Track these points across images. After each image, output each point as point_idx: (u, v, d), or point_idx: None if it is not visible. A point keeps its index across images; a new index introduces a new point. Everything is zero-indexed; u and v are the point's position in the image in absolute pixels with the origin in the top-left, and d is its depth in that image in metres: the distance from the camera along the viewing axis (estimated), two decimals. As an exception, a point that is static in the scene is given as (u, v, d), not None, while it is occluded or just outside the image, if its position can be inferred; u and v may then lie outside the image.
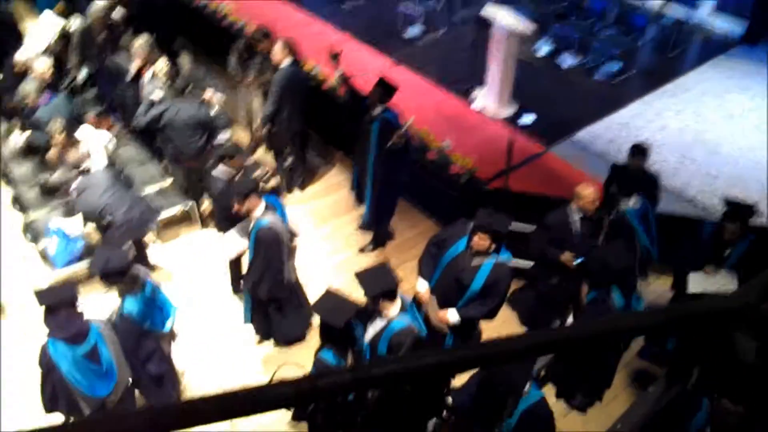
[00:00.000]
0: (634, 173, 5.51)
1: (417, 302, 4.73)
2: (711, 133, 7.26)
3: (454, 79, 7.86)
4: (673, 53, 8.79)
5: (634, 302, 4.64)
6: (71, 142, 5.75)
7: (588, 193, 5.04)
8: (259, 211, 4.94)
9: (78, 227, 5.77)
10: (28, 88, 6.46)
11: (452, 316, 4.70)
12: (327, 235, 6.83)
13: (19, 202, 6.52)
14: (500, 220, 4.59)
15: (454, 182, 6.39)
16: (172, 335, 4.94)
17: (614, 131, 7.23)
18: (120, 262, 4.48)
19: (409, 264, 6.41)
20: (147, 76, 6.64)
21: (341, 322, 3.91)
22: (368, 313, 4.20)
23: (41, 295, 4.18)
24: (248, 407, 1.30)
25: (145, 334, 4.58)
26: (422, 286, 4.85)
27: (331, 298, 4.16)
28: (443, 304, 4.78)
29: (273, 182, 6.63)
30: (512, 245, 4.80)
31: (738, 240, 4.91)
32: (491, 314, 4.72)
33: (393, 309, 4.10)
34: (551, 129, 7.13)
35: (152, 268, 6.06)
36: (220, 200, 5.57)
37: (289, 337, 5.60)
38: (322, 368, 3.92)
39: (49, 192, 6.16)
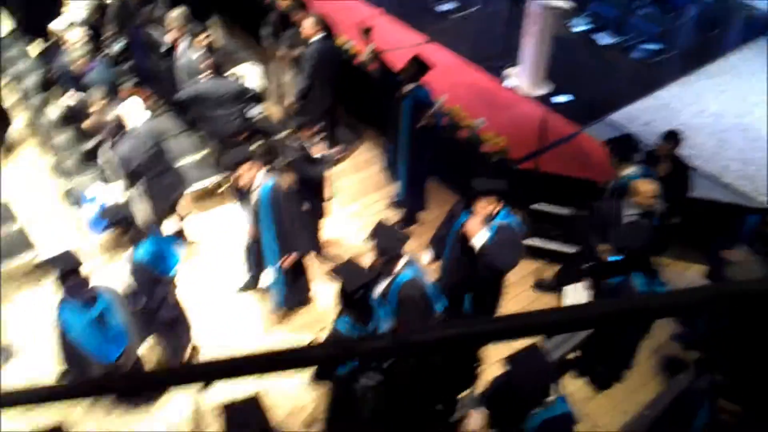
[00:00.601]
0: (664, 159, 5.42)
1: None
2: (751, 117, 7.06)
3: (487, 55, 7.75)
4: (713, 33, 8.53)
5: (658, 287, 4.54)
6: (110, 109, 5.83)
7: (647, 188, 4.78)
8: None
9: (115, 194, 5.89)
10: (74, 55, 6.51)
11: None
12: (356, 213, 6.85)
13: (60, 169, 6.66)
14: (498, 182, 4.64)
15: (486, 161, 6.34)
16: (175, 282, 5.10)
17: (651, 113, 7.07)
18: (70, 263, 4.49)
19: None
20: (181, 48, 6.68)
21: (355, 286, 3.99)
22: (378, 272, 4.31)
23: (46, 263, 4.34)
24: (295, 363, 1.34)
25: (157, 280, 4.77)
26: (426, 257, 4.96)
27: (350, 265, 4.25)
28: (457, 280, 4.76)
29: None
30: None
31: None
32: (507, 266, 4.59)
33: (398, 265, 4.24)
34: (586, 109, 7.01)
35: (184, 238, 6.18)
36: (298, 170, 5.53)
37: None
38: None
39: (89, 158, 6.28)
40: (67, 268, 4.30)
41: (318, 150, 5.66)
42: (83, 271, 4.43)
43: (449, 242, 4.80)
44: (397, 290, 4.22)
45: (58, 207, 6.62)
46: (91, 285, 4.44)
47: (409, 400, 2.48)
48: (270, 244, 5.22)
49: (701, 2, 8.76)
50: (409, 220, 6.64)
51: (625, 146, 5.29)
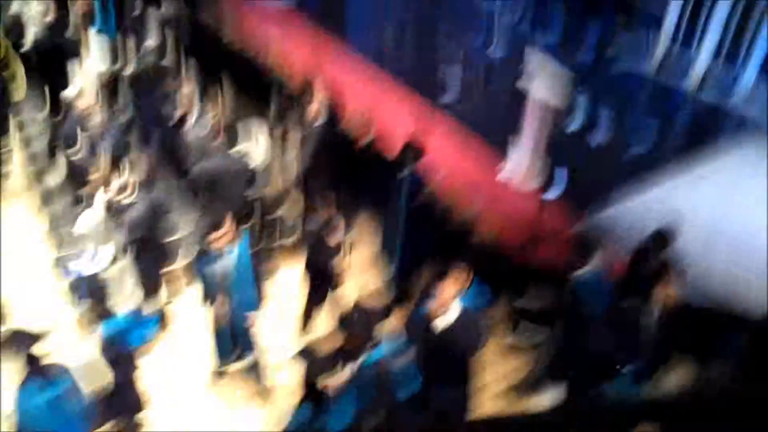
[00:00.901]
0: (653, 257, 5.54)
1: None
2: (737, 223, 7.22)
3: (485, 145, 8.01)
4: (703, 138, 8.83)
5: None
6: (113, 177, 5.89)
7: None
8: None
9: (100, 264, 5.90)
10: (86, 122, 6.60)
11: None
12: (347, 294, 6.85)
13: (53, 236, 6.71)
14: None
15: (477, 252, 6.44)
16: None
17: (637, 214, 7.24)
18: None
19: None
20: (191, 122, 6.91)
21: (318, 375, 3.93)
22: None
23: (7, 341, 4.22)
24: None
25: (124, 358, 4.68)
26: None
27: (314, 351, 4.17)
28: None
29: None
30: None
31: None
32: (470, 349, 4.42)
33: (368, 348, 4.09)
34: (575, 206, 7.19)
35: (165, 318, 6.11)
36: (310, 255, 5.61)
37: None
38: None
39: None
40: (22, 348, 4.12)
41: (335, 238, 5.70)
42: (43, 348, 4.23)
43: (417, 324, 4.49)
44: (361, 373, 4.08)
45: (47, 277, 6.56)
46: (54, 363, 4.24)
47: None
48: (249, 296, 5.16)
49: (692, 106, 9.11)
50: (401, 300, 6.64)
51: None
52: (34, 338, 4.21)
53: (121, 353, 4.62)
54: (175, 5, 8.71)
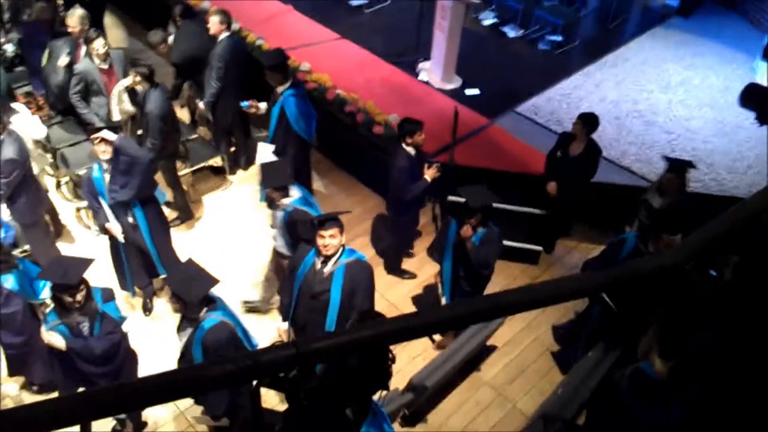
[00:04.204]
0: (579, 140, 5.71)
1: None
2: (648, 104, 7.49)
3: (400, 50, 7.84)
4: (613, 24, 8.98)
5: None
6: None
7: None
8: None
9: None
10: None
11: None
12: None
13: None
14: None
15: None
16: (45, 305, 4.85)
17: (555, 103, 7.38)
18: None
19: (360, 240, 6.48)
20: (81, 53, 6.36)
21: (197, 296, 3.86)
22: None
23: None
24: (189, 388, 1.31)
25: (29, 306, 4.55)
26: (283, 326, 4.67)
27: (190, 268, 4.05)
28: (312, 331, 4.49)
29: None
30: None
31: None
32: (368, 307, 4.41)
33: (203, 311, 3.98)
34: (495, 101, 7.22)
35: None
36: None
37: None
38: None
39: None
40: None
41: None
42: None
43: (295, 300, 4.47)
44: (201, 336, 3.93)
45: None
46: None
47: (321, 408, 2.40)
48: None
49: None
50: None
51: None
52: None
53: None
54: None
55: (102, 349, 4.04)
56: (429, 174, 5.46)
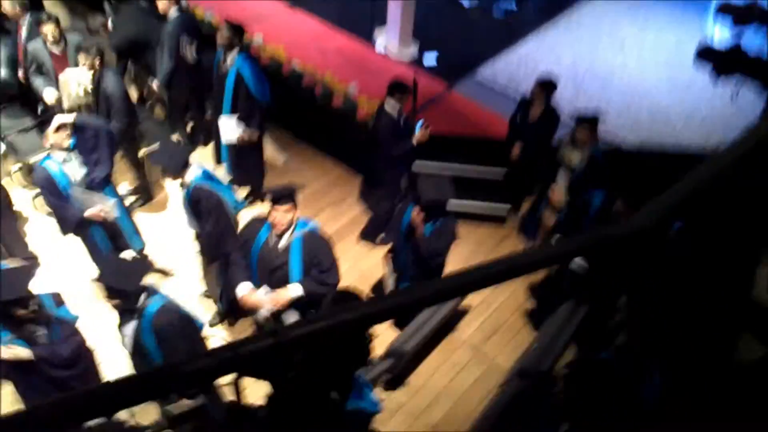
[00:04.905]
0: (538, 104, 5.78)
1: None
2: (603, 64, 7.57)
3: (355, 20, 7.71)
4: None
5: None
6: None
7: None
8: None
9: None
10: None
11: (293, 290, 4.26)
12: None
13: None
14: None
15: (362, 127, 6.36)
16: None
17: (513, 68, 7.39)
18: None
19: (324, 213, 6.43)
20: (22, 33, 6.07)
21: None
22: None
23: None
24: (169, 384, 1.28)
25: None
26: (244, 289, 4.35)
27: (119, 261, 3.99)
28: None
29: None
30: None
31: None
32: (335, 282, 4.35)
33: (141, 300, 3.86)
34: (454, 68, 7.18)
35: None
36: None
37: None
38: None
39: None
40: None
41: None
42: None
43: (255, 276, 4.40)
44: (149, 323, 3.84)
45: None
46: None
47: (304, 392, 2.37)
48: None
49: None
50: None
51: None
52: None
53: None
54: None
55: (70, 350, 3.90)
56: (417, 137, 5.51)
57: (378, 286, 5.68)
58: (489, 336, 5.50)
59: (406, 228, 4.92)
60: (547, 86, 5.75)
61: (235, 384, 2.41)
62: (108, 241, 5.18)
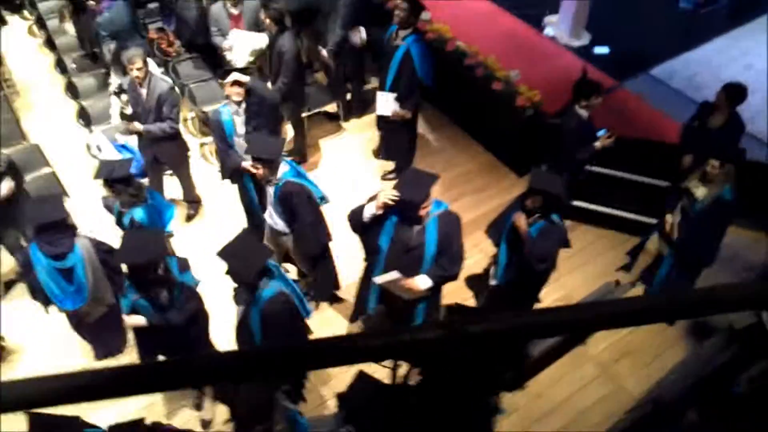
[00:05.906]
0: (721, 111, 5.21)
1: None
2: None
3: (526, 4, 7.44)
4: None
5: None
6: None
7: None
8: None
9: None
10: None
11: (423, 282, 4.18)
12: (383, 165, 6.71)
13: (83, 116, 6.61)
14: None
15: (518, 115, 6.16)
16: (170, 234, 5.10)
17: (694, 68, 6.78)
18: (123, 171, 4.54)
19: (467, 198, 6.33)
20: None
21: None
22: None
23: (34, 209, 4.33)
24: (339, 357, 1.28)
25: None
26: (394, 274, 4.16)
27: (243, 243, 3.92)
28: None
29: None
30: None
31: None
32: (458, 271, 4.24)
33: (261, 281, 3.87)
34: (626, 62, 6.73)
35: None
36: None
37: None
38: None
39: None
40: (46, 220, 4.22)
41: None
42: (65, 224, 4.31)
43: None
44: (260, 308, 3.87)
45: (81, 155, 6.52)
46: (69, 239, 4.33)
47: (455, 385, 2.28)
48: None
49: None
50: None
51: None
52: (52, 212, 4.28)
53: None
54: None
55: (183, 319, 4.08)
56: (601, 142, 5.18)
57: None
58: (620, 357, 5.14)
59: (510, 227, 4.58)
60: (734, 93, 5.15)
61: (393, 368, 2.42)
62: (256, 195, 5.38)
